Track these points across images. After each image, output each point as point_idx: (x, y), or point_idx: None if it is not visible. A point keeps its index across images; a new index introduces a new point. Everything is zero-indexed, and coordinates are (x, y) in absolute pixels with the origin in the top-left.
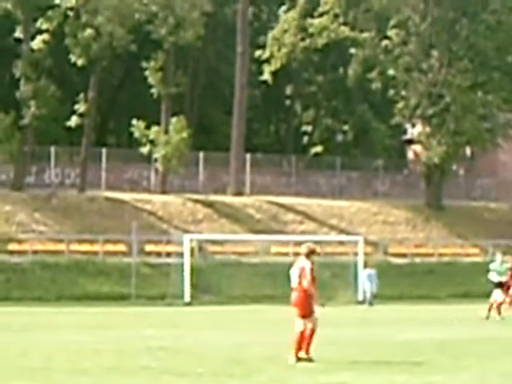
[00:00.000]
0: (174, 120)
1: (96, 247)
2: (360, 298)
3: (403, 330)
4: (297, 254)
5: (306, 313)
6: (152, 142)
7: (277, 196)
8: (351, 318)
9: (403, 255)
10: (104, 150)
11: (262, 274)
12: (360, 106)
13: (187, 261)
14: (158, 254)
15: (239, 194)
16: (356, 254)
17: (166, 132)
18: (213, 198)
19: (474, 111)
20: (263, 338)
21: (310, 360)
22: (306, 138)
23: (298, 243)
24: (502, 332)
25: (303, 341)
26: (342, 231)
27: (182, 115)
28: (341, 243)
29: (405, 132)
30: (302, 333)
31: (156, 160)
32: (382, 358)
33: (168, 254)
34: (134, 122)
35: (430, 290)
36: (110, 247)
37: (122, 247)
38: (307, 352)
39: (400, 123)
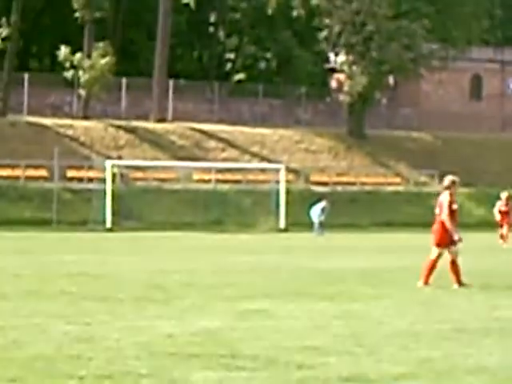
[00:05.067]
0: (98, 45)
1: (17, 172)
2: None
3: (324, 259)
4: (218, 181)
5: (442, 242)
6: (75, 67)
7: (199, 123)
8: (272, 245)
9: (325, 183)
10: (26, 75)
11: (184, 201)
12: (283, 34)
13: (109, 187)
14: (80, 180)
15: (162, 120)
16: (278, 181)
17: (89, 57)
18: (135, 124)
19: (398, 40)
20: (183, 264)
21: (466, 285)
22: (229, 65)
23: (220, 170)
24: (422, 262)
25: (433, 268)
26: (263, 159)
27: (106, 41)
28: (262, 171)
29: (327, 60)
30: (433, 261)
31: (79, 85)
32: (302, 285)
33: (90, 180)
34: (62, 47)
35: (352, 218)
36: (31, 172)
37: (43, 172)
38: (459, 282)
39: (323, 51)
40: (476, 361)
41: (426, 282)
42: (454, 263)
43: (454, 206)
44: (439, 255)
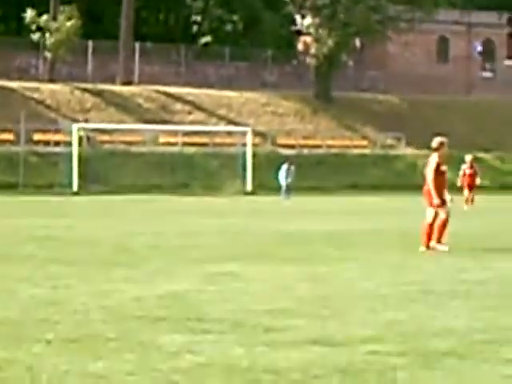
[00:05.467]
0: (64, 8)
1: None
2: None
3: (291, 221)
4: (185, 144)
5: (433, 203)
6: (41, 29)
7: (166, 86)
8: (239, 208)
9: (291, 146)
10: None
11: (150, 164)
12: None
13: (75, 150)
14: (46, 143)
15: (128, 83)
16: (244, 144)
17: (55, 19)
18: (101, 86)
19: (364, 2)
20: (150, 227)
21: (433, 249)
22: (195, 28)
23: (187, 133)
24: (389, 224)
25: (432, 231)
26: (230, 122)
27: (72, 4)
28: (229, 134)
29: (294, 23)
30: (431, 224)
31: (45, 47)
32: (270, 248)
33: (56, 144)
34: (28, 9)
35: (319, 181)
36: None
37: (9, 136)
38: (427, 245)
39: (290, 14)
40: (443, 323)
41: (428, 246)
42: (430, 226)
43: (443, 168)
44: (436, 215)
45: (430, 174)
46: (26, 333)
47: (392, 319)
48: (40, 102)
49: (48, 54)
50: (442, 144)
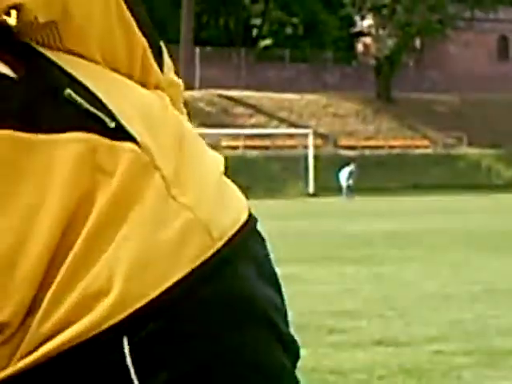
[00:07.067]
0: None
1: None
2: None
3: (353, 222)
4: (247, 148)
5: None
6: None
7: (226, 89)
8: (301, 210)
9: (353, 147)
10: None
11: None
12: None
13: None
14: None
15: (189, 88)
16: (306, 146)
17: None
18: None
19: (424, 2)
20: None
21: None
22: (255, 31)
23: (248, 136)
24: (452, 223)
25: None
26: (291, 124)
27: None
28: (291, 136)
29: (354, 25)
30: None
31: None
32: (332, 249)
33: None
34: None
35: (380, 181)
36: None
37: None
38: None
39: (349, 15)
40: (507, 322)
41: None
42: None
43: None
44: None
45: None
46: None
47: (456, 318)
48: None
49: None
50: None
